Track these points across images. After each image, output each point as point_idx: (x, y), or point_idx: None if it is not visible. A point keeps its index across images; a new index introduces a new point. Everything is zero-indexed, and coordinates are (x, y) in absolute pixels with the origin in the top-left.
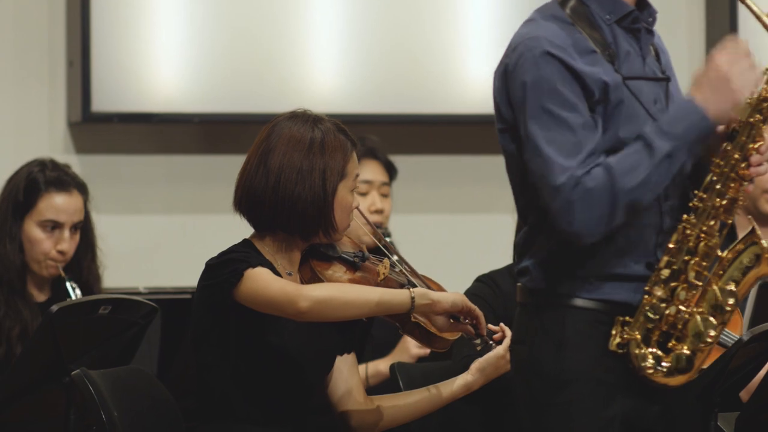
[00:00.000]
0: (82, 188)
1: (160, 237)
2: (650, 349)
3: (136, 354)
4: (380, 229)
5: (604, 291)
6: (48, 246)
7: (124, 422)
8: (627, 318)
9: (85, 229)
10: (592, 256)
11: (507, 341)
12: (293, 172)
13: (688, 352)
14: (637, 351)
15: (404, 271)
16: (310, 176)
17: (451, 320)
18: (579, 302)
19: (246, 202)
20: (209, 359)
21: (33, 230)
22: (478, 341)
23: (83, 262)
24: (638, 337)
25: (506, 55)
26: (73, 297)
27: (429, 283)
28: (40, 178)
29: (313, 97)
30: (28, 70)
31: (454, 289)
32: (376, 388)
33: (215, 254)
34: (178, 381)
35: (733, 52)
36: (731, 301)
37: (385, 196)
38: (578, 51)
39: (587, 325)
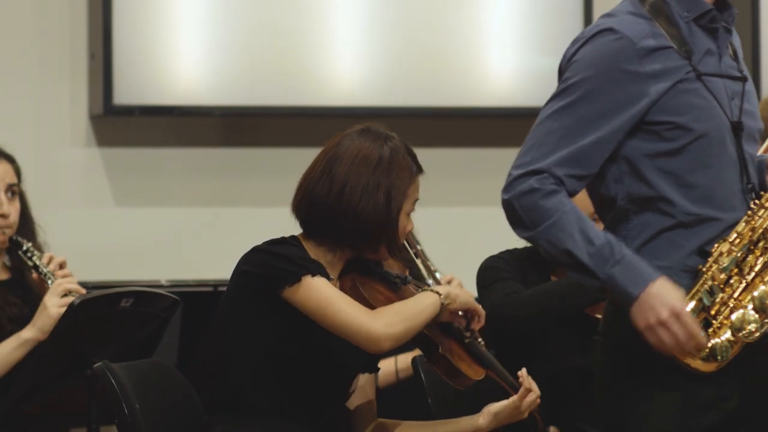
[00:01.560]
0: (8, 158)
1: (181, 230)
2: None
3: (158, 347)
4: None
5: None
6: None
7: (145, 415)
8: None
9: (23, 207)
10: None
11: (529, 396)
12: (359, 186)
13: (726, 342)
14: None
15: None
16: (375, 193)
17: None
18: None
19: (305, 205)
20: (234, 349)
21: None
22: (467, 334)
23: (28, 237)
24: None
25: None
26: (28, 256)
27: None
28: None
29: (334, 90)
30: (50, 63)
31: (473, 282)
32: (404, 384)
33: (236, 247)
34: (198, 374)
35: (682, 333)
36: None
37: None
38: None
39: None
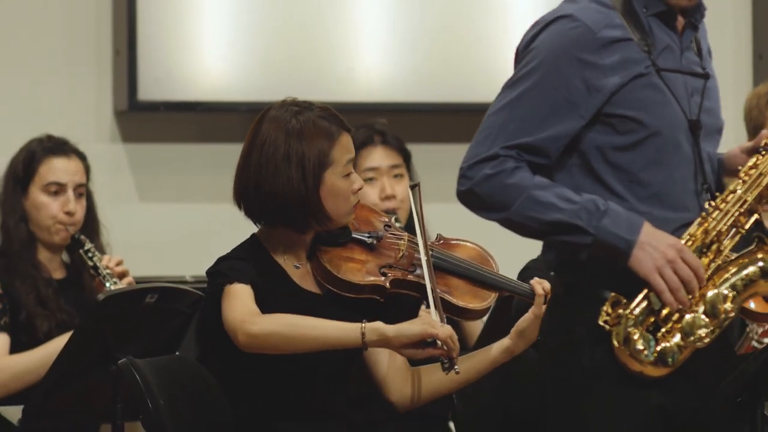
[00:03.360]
0: (80, 155)
1: (205, 225)
2: (644, 333)
3: (183, 342)
4: (392, 214)
5: (636, 282)
6: (55, 209)
7: (170, 410)
8: (620, 297)
9: (89, 205)
10: None
11: (540, 300)
12: (271, 165)
13: (675, 346)
14: (631, 330)
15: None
16: (287, 168)
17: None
18: (604, 294)
19: (237, 197)
20: (220, 366)
21: (38, 196)
22: (446, 361)
23: (91, 236)
24: (635, 316)
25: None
26: (88, 256)
27: (455, 252)
28: (38, 148)
29: (357, 86)
30: (75, 59)
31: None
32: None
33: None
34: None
35: (688, 270)
36: (729, 307)
37: (398, 177)
38: (608, 42)
39: None
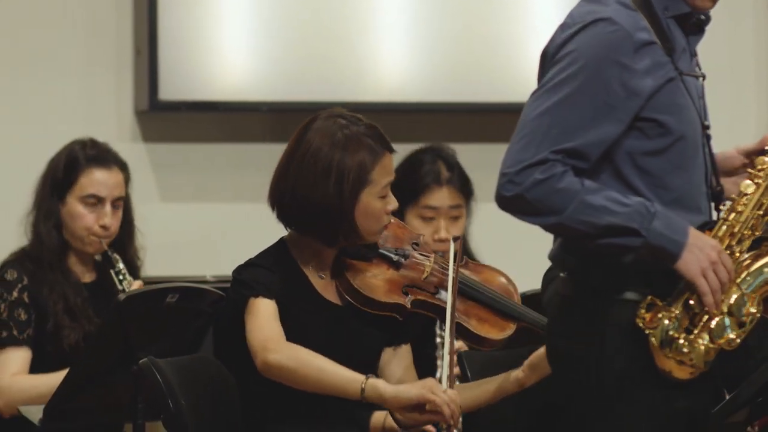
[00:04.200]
0: (122, 166)
1: (227, 225)
2: (686, 335)
3: (204, 342)
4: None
5: (657, 284)
6: (90, 221)
7: (191, 410)
8: (656, 299)
9: (125, 210)
10: None
11: None
12: (310, 175)
13: (705, 348)
14: (673, 332)
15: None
16: (325, 181)
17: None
18: (632, 296)
19: (272, 200)
20: (239, 368)
21: (75, 206)
22: (443, 426)
23: (125, 242)
24: (675, 317)
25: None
26: (119, 278)
27: (478, 277)
28: (81, 155)
29: (380, 85)
30: (96, 58)
31: (521, 276)
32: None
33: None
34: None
35: (726, 273)
36: (754, 309)
37: (456, 218)
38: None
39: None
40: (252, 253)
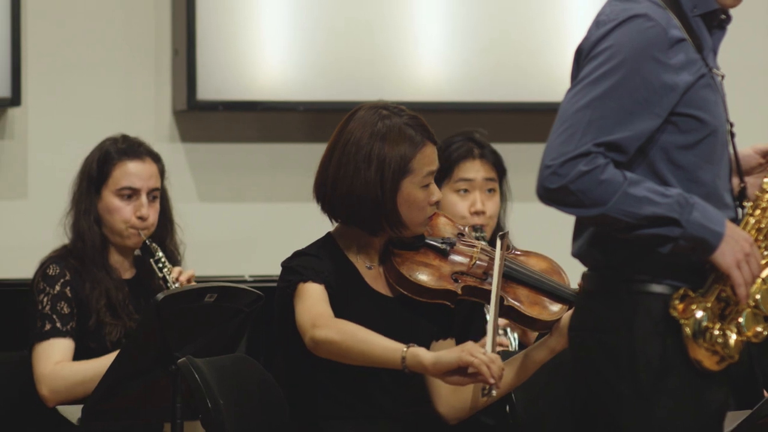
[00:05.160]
0: (155, 158)
1: (265, 225)
2: (720, 325)
3: (242, 342)
4: (479, 230)
5: (684, 277)
6: (128, 213)
7: (229, 410)
8: (688, 290)
9: (163, 206)
10: None
11: None
12: (351, 165)
13: (736, 340)
14: (707, 323)
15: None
16: (366, 170)
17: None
18: (660, 288)
19: (316, 192)
20: (289, 362)
21: (111, 200)
22: (486, 387)
23: (165, 237)
24: (709, 308)
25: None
26: (158, 266)
27: (527, 262)
28: (113, 149)
29: (418, 85)
30: (134, 58)
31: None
32: None
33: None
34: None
35: (757, 265)
36: None
37: (491, 192)
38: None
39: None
40: (290, 251)
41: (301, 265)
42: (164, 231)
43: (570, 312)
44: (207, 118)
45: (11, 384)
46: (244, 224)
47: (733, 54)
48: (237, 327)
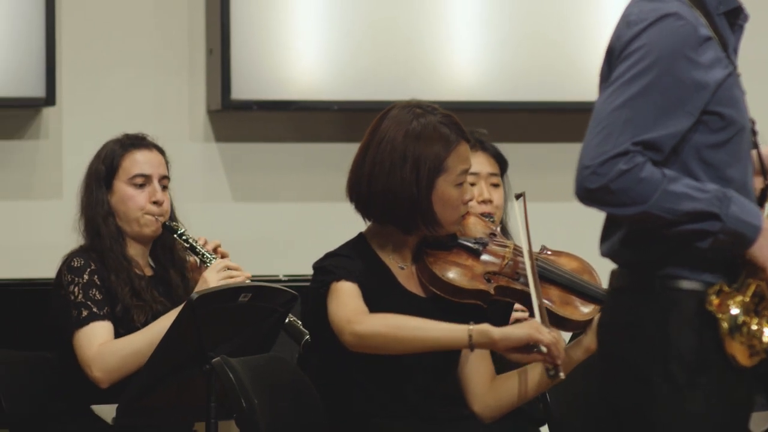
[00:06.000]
0: (160, 149)
1: (299, 225)
2: (758, 320)
3: (276, 341)
4: (489, 218)
5: (722, 272)
6: (142, 200)
7: (263, 410)
8: (724, 285)
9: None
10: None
11: None
12: (387, 163)
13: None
14: (744, 317)
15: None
16: (402, 168)
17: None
18: (693, 285)
19: (350, 191)
20: (324, 361)
21: (125, 189)
22: (550, 367)
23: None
24: (745, 303)
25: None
26: (183, 239)
27: (559, 262)
28: (116, 146)
29: (452, 85)
30: (169, 58)
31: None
32: None
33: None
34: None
35: None
36: None
37: (495, 186)
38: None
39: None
40: (325, 251)
41: (333, 265)
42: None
43: None
44: (241, 118)
45: (44, 383)
46: (278, 224)
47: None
48: (271, 326)
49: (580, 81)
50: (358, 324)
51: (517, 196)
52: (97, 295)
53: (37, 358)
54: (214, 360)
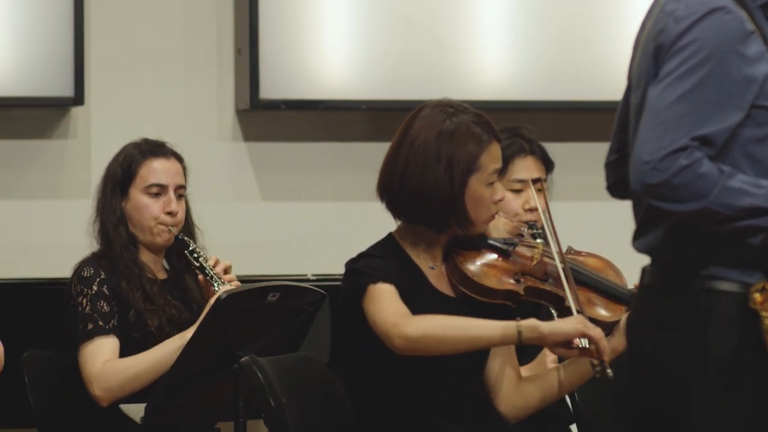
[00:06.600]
0: (178, 157)
1: (327, 224)
2: None
3: (305, 341)
4: (533, 226)
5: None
6: (156, 210)
7: (292, 409)
8: (766, 284)
9: (186, 207)
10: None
11: None
12: (420, 162)
13: None
14: None
15: (556, 256)
16: (435, 167)
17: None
18: (731, 285)
19: (380, 190)
20: (349, 362)
21: (140, 198)
22: (596, 363)
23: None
24: None
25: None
26: (194, 256)
27: (585, 264)
28: (135, 151)
29: (480, 84)
30: (197, 58)
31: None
32: None
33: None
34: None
35: None
36: None
37: (540, 191)
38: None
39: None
40: (352, 252)
41: (368, 266)
42: (188, 234)
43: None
44: (269, 117)
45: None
46: (307, 223)
47: None
48: (300, 326)
49: (611, 80)
50: (405, 327)
51: (534, 181)
52: (105, 307)
53: (65, 358)
54: (242, 359)
